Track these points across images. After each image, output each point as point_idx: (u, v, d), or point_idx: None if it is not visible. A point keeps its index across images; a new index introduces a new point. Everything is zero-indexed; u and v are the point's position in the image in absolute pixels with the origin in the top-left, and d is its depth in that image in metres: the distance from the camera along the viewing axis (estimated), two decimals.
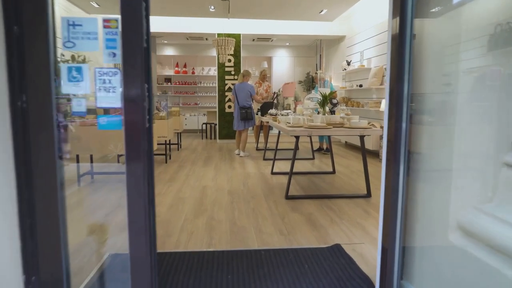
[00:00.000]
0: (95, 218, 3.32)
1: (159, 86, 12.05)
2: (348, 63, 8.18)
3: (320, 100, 4.13)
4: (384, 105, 6.12)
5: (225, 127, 9.07)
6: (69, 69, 1.30)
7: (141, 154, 1.34)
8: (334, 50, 9.91)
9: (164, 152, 6.37)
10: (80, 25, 1.30)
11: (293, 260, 2.45)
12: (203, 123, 10.53)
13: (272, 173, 5.36)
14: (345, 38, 9.06)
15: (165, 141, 6.27)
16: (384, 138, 1.71)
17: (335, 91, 6.84)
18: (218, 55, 7.06)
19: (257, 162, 6.42)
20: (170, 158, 6.72)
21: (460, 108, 1.48)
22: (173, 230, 3.03)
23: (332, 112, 4.43)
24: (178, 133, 7.91)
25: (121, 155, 4.02)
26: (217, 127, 9.26)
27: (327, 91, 4.67)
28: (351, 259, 2.46)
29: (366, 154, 4.45)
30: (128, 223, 1.39)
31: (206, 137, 10.49)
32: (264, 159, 6.66)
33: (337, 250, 2.61)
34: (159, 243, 2.77)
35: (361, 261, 2.46)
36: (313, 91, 6.99)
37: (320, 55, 11.06)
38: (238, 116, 6.93)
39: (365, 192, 4.18)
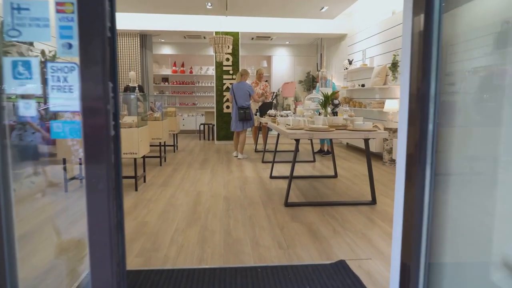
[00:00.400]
0: (74, 230, 3.07)
1: (156, 86, 11.79)
2: (350, 62, 7.93)
3: (321, 101, 3.88)
4: (388, 106, 5.84)
5: (223, 128, 8.82)
6: (14, 64, 1.04)
7: (105, 168, 1.08)
8: (335, 49, 9.66)
9: (158, 155, 6.12)
10: (27, 9, 1.04)
11: (293, 279, 2.20)
12: (201, 124, 10.28)
13: (271, 177, 5.10)
14: (346, 36, 8.80)
15: (160, 143, 6.02)
16: (401, 144, 1.45)
17: (337, 91, 6.58)
18: (215, 54, 6.80)
19: (255, 165, 6.16)
20: (165, 161, 6.47)
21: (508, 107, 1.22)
22: (162, 243, 2.78)
23: (334, 113, 4.18)
24: (174, 134, 7.66)
25: None
26: (215, 128, 9.01)
27: (329, 91, 4.42)
28: (357, 278, 2.21)
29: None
30: (89, 253, 1.13)
31: (204, 138, 10.24)
32: (263, 161, 6.41)
33: (341, 267, 2.35)
34: (145, 258, 2.52)
35: (369, 281, 2.20)
36: (314, 91, 6.74)
37: (321, 54, 10.81)
38: (236, 117, 6.68)
39: (369, 198, 3.93)
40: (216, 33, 8.49)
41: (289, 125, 4.02)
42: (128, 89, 8.05)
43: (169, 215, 3.44)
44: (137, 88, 7.76)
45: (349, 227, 3.15)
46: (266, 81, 7.47)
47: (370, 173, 3.74)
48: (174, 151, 7.67)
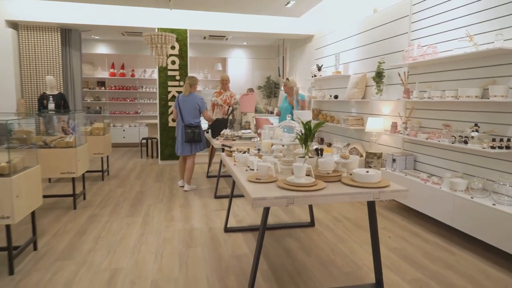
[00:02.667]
0: None
1: (90, 91, 9.92)
2: (319, 68, 6.71)
3: (300, 136, 2.55)
4: (371, 125, 4.63)
5: (169, 145, 7.26)
6: None
7: None
8: (299, 52, 8.44)
9: (71, 193, 4.47)
10: None
11: None
12: (142, 139, 8.62)
13: (227, 229, 3.69)
14: (313, 38, 7.59)
15: (73, 178, 4.38)
16: None
17: (305, 100, 5.28)
18: (154, 56, 5.25)
19: (206, 203, 4.71)
20: (84, 199, 4.83)
21: None
22: None
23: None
24: (107, 157, 6.00)
25: None
26: (159, 144, 7.41)
27: (306, 115, 3.09)
28: None
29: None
30: None
31: (147, 155, 8.59)
32: (216, 196, 4.97)
33: None
34: None
35: None
36: (282, 100, 5.40)
37: (283, 57, 9.55)
38: (183, 138, 5.19)
39: (372, 276, 2.65)
40: (160, 30, 6.92)
41: (253, 169, 2.64)
42: (45, 98, 6.26)
43: None
44: (51, 98, 6.00)
45: None
46: (238, 95, 5.89)
47: (375, 247, 2.44)
48: (103, 179, 6.00)
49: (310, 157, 2.61)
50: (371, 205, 2.41)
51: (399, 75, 4.39)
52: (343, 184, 2.33)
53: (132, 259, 3.01)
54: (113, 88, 10.00)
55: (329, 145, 6.35)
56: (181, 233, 3.63)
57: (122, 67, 10.06)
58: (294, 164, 2.28)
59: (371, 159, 4.76)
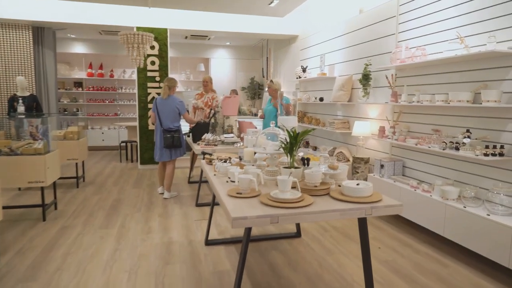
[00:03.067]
0: None
1: (67, 92, 9.52)
2: (304, 70, 6.54)
3: (285, 144, 2.35)
4: (358, 129, 4.46)
5: (149, 148, 6.97)
6: None
7: None
8: (283, 53, 8.26)
9: (40, 203, 4.15)
10: None
11: None
12: (122, 142, 8.28)
13: (208, 242, 3.46)
14: (297, 38, 7.43)
15: (42, 187, 4.07)
16: None
17: (290, 104, 5.09)
18: (130, 57, 4.96)
19: (186, 212, 4.47)
20: (55, 209, 4.52)
21: None
22: None
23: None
24: (81, 161, 5.67)
25: None
26: (138, 148, 7.11)
27: (291, 121, 2.89)
28: None
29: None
30: None
31: (127, 159, 8.26)
32: (197, 204, 4.73)
33: None
34: None
35: None
36: (266, 106, 5.21)
37: (267, 58, 9.36)
38: (161, 143, 4.94)
39: None
40: (138, 29, 6.64)
41: (234, 181, 2.42)
42: (15, 100, 5.90)
43: None
44: (20, 100, 5.64)
45: None
46: (221, 97, 5.62)
47: (367, 265, 2.26)
48: (78, 186, 5.67)
49: (296, 168, 2.41)
50: (362, 222, 2.22)
51: (387, 77, 4.25)
52: (332, 198, 2.14)
53: (102, 279, 2.75)
54: (91, 89, 9.61)
55: (315, 148, 6.19)
56: (159, 247, 3.38)
57: (101, 67, 9.68)
58: (278, 178, 2.07)
59: (358, 164, 4.60)
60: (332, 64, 5.74)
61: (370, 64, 4.60)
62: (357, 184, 2.20)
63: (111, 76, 9.73)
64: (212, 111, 5.28)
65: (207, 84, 5.71)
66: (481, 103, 2.96)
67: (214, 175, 2.75)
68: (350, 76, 5.17)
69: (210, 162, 3.12)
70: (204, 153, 3.35)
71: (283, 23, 7.40)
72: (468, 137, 3.08)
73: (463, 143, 3.15)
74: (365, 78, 4.66)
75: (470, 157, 3.05)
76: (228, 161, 2.89)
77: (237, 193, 2.18)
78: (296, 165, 2.50)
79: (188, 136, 5.41)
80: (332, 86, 5.56)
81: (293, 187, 2.16)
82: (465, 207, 3.02)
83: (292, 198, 2.00)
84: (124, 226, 3.92)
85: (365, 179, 4.53)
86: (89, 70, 9.52)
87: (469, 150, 3.05)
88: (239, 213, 1.84)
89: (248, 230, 1.98)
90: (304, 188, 2.21)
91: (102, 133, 9.68)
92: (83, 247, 3.36)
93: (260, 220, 1.84)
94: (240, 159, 2.66)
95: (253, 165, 2.70)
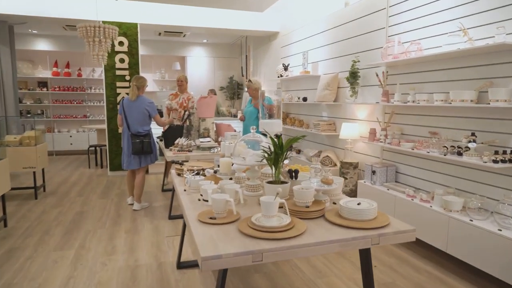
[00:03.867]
0: None
1: (30, 92, 8.79)
2: (285, 68, 6.14)
3: (268, 154, 1.93)
4: (346, 131, 3.83)
5: (119, 153, 6.41)
6: None
7: None
8: (263, 51, 7.85)
9: None
10: None
11: None
12: (90, 146, 7.66)
13: (180, 265, 2.99)
14: (278, 35, 7.03)
15: None
16: None
17: (273, 105, 4.66)
18: (91, 53, 4.41)
19: (158, 226, 3.98)
20: (5, 226, 3.94)
21: None
22: None
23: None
24: (40, 169, 5.07)
25: None
26: (108, 152, 6.54)
27: (275, 126, 2.47)
28: None
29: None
30: None
31: (96, 165, 7.65)
32: (171, 217, 4.25)
33: None
34: None
35: None
36: (246, 106, 4.76)
37: (246, 56, 8.93)
38: (129, 149, 4.42)
39: None
40: (105, 23, 6.06)
41: (206, 201, 1.98)
42: None
43: None
44: None
45: None
46: (198, 97, 5.18)
47: None
48: (36, 198, 5.07)
49: (282, 182, 1.99)
50: (365, 252, 1.82)
51: (377, 75, 3.89)
52: (328, 222, 1.72)
53: None
54: (57, 89, 8.92)
55: (298, 151, 5.79)
56: (122, 272, 2.89)
57: (67, 65, 9.00)
58: (262, 200, 1.64)
59: (347, 169, 4.23)
60: (316, 62, 5.36)
61: (358, 61, 4.24)
62: (358, 204, 1.79)
63: (79, 75, 9.07)
64: (187, 113, 4.80)
65: (182, 84, 5.26)
66: (488, 103, 2.62)
67: (184, 190, 2.30)
68: (336, 74, 4.80)
69: (179, 170, 2.67)
70: (173, 162, 2.87)
71: (262, 18, 6.98)
72: (474, 141, 2.73)
73: (466, 147, 2.81)
74: (353, 76, 4.29)
75: (475, 163, 2.71)
76: (200, 173, 2.44)
77: (210, 218, 1.74)
78: (282, 178, 2.09)
79: (161, 140, 4.92)
80: (316, 85, 5.18)
81: (279, 207, 1.73)
82: (471, 220, 2.67)
83: (279, 226, 1.57)
84: (84, 247, 3.40)
85: (354, 186, 4.16)
86: (54, 69, 8.83)
87: (475, 155, 2.71)
88: (211, 249, 1.40)
89: (223, 273, 1.54)
90: (294, 210, 1.79)
91: (70, 136, 9.02)
92: (31, 275, 2.83)
93: (238, 259, 1.40)
94: (215, 172, 2.22)
95: (230, 178, 2.26)
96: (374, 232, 1.60)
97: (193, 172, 2.40)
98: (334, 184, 1.99)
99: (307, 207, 1.82)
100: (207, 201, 1.99)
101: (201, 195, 2.07)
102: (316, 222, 1.73)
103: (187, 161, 4.03)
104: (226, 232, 1.59)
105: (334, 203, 2.04)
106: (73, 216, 4.30)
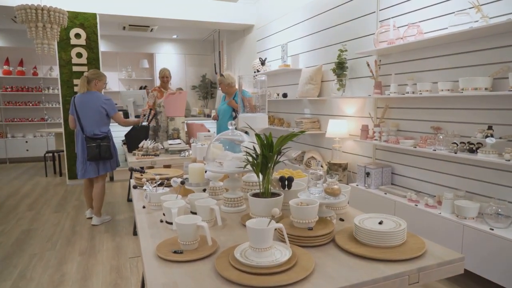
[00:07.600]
0: None
1: None
2: (262, 63, 5.66)
3: (254, 158, 1.43)
4: (332, 128, 3.39)
5: None
6: None
7: None
8: (238, 46, 7.33)
9: None
10: None
11: None
12: (46, 152, 6.88)
13: None
14: (253, 28, 6.54)
15: None
16: None
17: (251, 98, 4.14)
18: (35, 42, 3.73)
19: (120, 245, 3.38)
20: None
21: None
22: None
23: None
24: None
25: None
26: (65, 159, 5.82)
27: (260, 121, 1.96)
28: None
29: None
30: None
31: (54, 173, 6.88)
32: (136, 232, 3.66)
33: None
34: None
35: None
36: (220, 102, 4.21)
37: (220, 52, 8.38)
38: (84, 154, 3.79)
39: None
40: None
41: (170, 222, 1.45)
42: None
43: None
44: None
45: None
46: (178, 89, 4.54)
47: None
48: None
49: (273, 194, 1.48)
50: None
51: (368, 65, 3.46)
52: (341, 250, 1.23)
53: None
54: (9, 89, 8.04)
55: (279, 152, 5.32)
56: None
57: (21, 63, 8.13)
58: (250, 226, 1.12)
59: (335, 171, 3.79)
60: (297, 54, 4.90)
61: (346, 50, 3.80)
62: (380, 223, 1.31)
63: (35, 74, 8.22)
64: (152, 112, 4.20)
65: (167, 80, 4.61)
66: (510, 90, 2.21)
67: (143, 207, 1.75)
68: (320, 67, 4.35)
69: (139, 181, 2.11)
70: (132, 170, 2.30)
71: (236, 10, 6.46)
72: (491, 135, 2.33)
73: (479, 143, 2.40)
74: (340, 67, 3.85)
75: (493, 162, 2.30)
76: (165, 184, 1.89)
77: (174, 252, 1.20)
78: (272, 189, 1.58)
79: (124, 143, 4.30)
80: (297, 80, 4.72)
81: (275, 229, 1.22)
82: (492, 229, 2.26)
83: (275, 264, 1.06)
84: (25, 276, 2.77)
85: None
86: (5, 67, 7.95)
87: (492, 153, 2.31)
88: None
89: None
90: (292, 234, 1.28)
91: (26, 141, 8.15)
92: None
93: None
94: (183, 183, 1.68)
95: (204, 190, 1.74)
96: (410, 266, 1.12)
97: (154, 183, 1.84)
98: (342, 196, 1.50)
99: (310, 229, 1.32)
100: (171, 223, 1.45)
101: (164, 214, 1.53)
102: (325, 251, 1.23)
103: (152, 167, 3.46)
104: (197, 274, 1.06)
105: (342, 220, 1.56)
106: (17, 236, 3.62)
